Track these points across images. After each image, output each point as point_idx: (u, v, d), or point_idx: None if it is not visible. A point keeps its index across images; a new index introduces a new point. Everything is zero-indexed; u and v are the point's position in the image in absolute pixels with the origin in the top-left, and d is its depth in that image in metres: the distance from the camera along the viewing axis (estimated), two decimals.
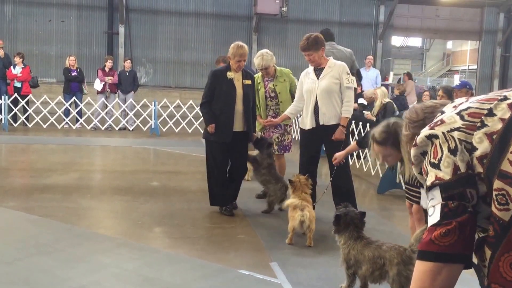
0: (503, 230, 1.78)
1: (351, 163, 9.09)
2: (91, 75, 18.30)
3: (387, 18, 23.26)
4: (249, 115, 6.38)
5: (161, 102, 15.06)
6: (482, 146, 1.83)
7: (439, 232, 1.82)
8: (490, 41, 25.02)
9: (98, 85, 14.84)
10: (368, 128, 9.89)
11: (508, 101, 1.88)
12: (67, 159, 10.00)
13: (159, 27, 22.31)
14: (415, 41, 46.44)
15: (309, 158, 6.23)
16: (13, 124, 14.32)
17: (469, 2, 23.54)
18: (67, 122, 14.70)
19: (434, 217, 1.87)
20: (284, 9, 21.14)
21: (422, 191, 3.43)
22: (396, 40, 40.88)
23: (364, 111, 10.84)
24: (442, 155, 1.87)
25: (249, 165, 6.93)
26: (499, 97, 1.91)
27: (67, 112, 14.78)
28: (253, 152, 6.97)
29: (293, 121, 10.38)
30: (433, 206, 1.88)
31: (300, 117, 6.47)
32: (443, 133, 1.90)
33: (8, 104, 13.94)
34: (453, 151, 1.86)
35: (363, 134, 9.93)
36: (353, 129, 10.10)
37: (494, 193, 1.78)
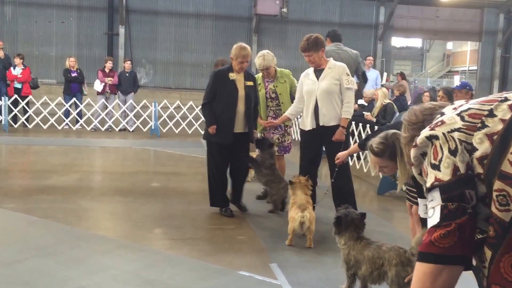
0: (503, 231, 1.78)
1: (351, 164, 9.08)
2: (91, 76, 18.29)
3: (387, 19, 23.27)
4: (251, 117, 6.35)
5: (161, 103, 15.06)
6: (483, 146, 1.83)
7: (439, 234, 1.82)
8: (490, 42, 25.03)
9: (98, 86, 14.84)
10: (368, 129, 9.90)
11: (509, 102, 1.88)
12: (67, 160, 10.00)
13: (159, 28, 22.33)
14: (415, 42, 46.44)
15: (309, 159, 6.23)
16: (13, 125, 14.31)
17: (469, 3, 23.54)
18: (67, 123, 14.70)
19: (434, 218, 1.87)
20: (284, 10, 21.15)
21: (420, 201, 3.43)
22: (396, 41, 40.86)
23: (364, 112, 10.83)
24: (442, 156, 1.87)
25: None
26: (500, 98, 1.92)
27: (67, 113, 14.78)
28: (254, 154, 6.97)
29: (293, 122, 10.39)
30: (433, 207, 1.88)
31: (300, 118, 6.47)
32: (444, 133, 1.90)
33: (8, 105, 13.93)
34: (453, 152, 1.86)
35: (363, 135, 9.94)
36: (353, 130, 10.09)
37: (495, 194, 1.79)
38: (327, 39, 7.66)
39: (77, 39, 21.84)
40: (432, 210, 1.88)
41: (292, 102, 6.78)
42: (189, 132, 14.82)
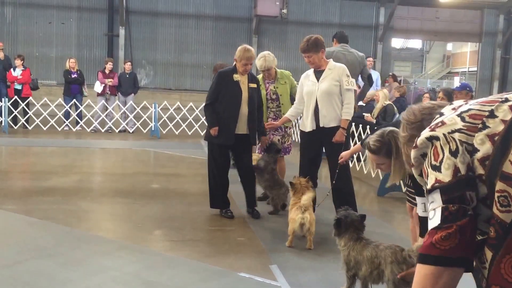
0: (504, 232, 1.78)
1: (351, 165, 9.07)
2: (91, 77, 18.32)
3: (387, 20, 23.28)
4: (253, 118, 6.34)
5: (161, 104, 15.06)
6: (484, 147, 1.83)
7: (439, 236, 1.82)
8: (490, 43, 25.04)
9: (98, 87, 14.84)
10: (368, 130, 9.90)
11: (510, 103, 1.88)
12: (67, 162, 10.00)
13: (159, 29, 22.34)
14: (415, 43, 46.43)
15: (309, 160, 6.22)
16: (13, 126, 14.31)
17: (469, 4, 23.55)
18: (67, 125, 14.70)
19: (434, 220, 1.86)
20: (284, 11, 21.17)
21: (418, 199, 3.44)
22: (396, 42, 40.87)
23: (364, 114, 10.83)
24: (443, 157, 1.87)
25: None
26: (500, 99, 1.91)
27: (67, 115, 14.78)
28: (254, 155, 6.97)
29: (293, 123, 10.39)
30: (434, 209, 1.88)
31: (300, 119, 6.47)
32: (444, 134, 1.90)
33: (8, 106, 13.94)
34: (454, 153, 1.85)
35: (363, 137, 9.93)
36: (353, 132, 10.09)
37: (496, 194, 1.78)
38: (334, 40, 7.68)
39: (77, 40, 21.85)
40: (432, 211, 1.88)
41: (292, 103, 6.78)
42: (189, 133, 14.82)
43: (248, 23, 22.71)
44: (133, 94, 15.17)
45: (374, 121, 10.42)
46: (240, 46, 6.30)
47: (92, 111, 14.94)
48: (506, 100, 1.90)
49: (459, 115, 1.93)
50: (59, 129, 14.38)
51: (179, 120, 15.08)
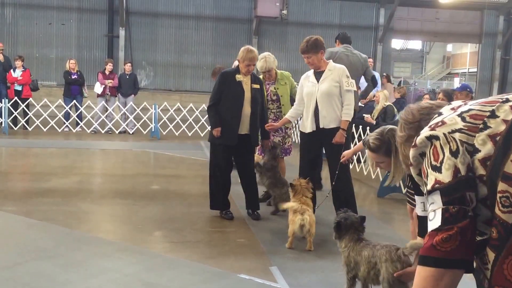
0: (507, 233, 1.78)
1: (351, 167, 9.07)
2: (91, 78, 18.34)
3: (387, 21, 23.30)
4: (256, 119, 6.33)
5: (161, 105, 15.06)
6: (485, 148, 1.82)
7: (440, 238, 1.81)
8: (490, 43, 25.06)
9: (98, 88, 14.83)
10: (368, 131, 9.89)
11: (511, 103, 1.87)
12: (67, 163, 10.00)
13: (159, 30, 22.35)
14: (415, 44, 46.46)
15: (309, 162, 6.22)
16: (13, 127, 14.31)
17: (469, 5, 23.57)
18: (67, 126, 14.70)
19: (435, 222, 1.86)
20: (284, 12, 21.19)
21: (417, 198, 3.43)
22: (396, 43, 40.88)
23: (364, 115, 10.84)
24: (443, 157, 1.86)
25: None
26: (501, 99, 1.91)
27: (67, 116, 14.78)
28: (258, 157, 6.98)
29: (293, 124, 10.39)
30: (434, 210, 1.87)
31: (300, 120, 6.47)
32: (444, 134, 1.89)
33: (8, 107, 13.94)
34: (454, 153, 1.85)
35: (363, 138, 9.93)
36: (353, 133, 10.09)
37: (498, 195, 1.78)
38: (337, 41, 7.68)
39: (77, 41, 21.87)
40: (433, 213, 1.87)
41: (292, 104, 6.78)
42: (189, 134, 14.81)
43: (248, 24, 22.72)
44: (133, 95, 15.17)
45: (374, 122, 10.42)
46: (243, 47, 6.30)
47: (92, 112, 14.93)
48: (507, 100, 1.89)
49: (459, 115, 1.93)
50: (59, 130, 14.38)
51: (179, 121, 15.08)
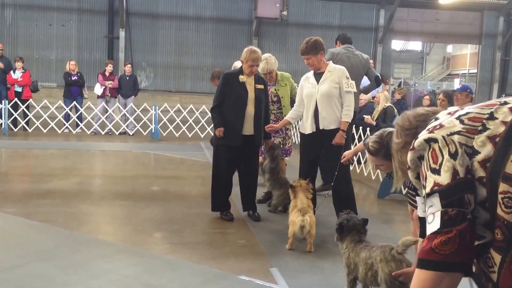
0: (511, 233, 1.77)
1: (351, 168, 9.07)
2: (91, 79, 18.33)
3: (387, 22, 23.30)
4: (260, 120, 6.31)
5: (161, 107, 15.06)
6: (485, 149, 1.82)
7: (439, 241, 1.81)
8: (490, 44, 25.06)
9: (98, 89, 14.84)
10: (368, 132, 9.89)
11: (509, 105, 1.88)
12: (67, 164, 9.99)
13: (159, 31, 22.35)
14: (415, 45, 46.47)
15: (309, 163, 6.22)
16: (13, 128, 14.31)
17: (469, 6, 23.57)
18: (67, 127, 14.70)
19: (433, 224, 1.85)
20: (285, 13, 21.18)
21: (418, 199, 3.42)
22: (396, 44, 40.88)
23: (364, 116, 10.84)
24: (442, 160, 1.86)
25: None
26: (499, 102, 1.91)
27: (67, 117, 14.78)
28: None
29: (293, 125, 10.38)
30: (433, 213, 1.86)
31: (300, 121, 6.47)
32: (443, 136, 1.89)
33: (8, 108, 13.93)
34: (453, 155, 1.84)
35: (363, 139, 9.93)
36: (353, 133, 10.08)
37: (500, 196, 1.77)
38: (337, 42, 7.67)
39: (78, 42, 21.87)
40: (431, 216, 1.87)
41: (292, 106, 6.78)
42: (190, 135, 14.82)
43: (248, 25, 22.72)
44: (133, 96, 15.17)
45: (374, 123, 10.42)
46: (246, 48, 6.29)
47: (92, 113, 14.93)
48: (505, 103, 1.90)
49: (457, 118, 1.93)
50: (59, 131, 14.37)
51: (179, 122, 15.07)
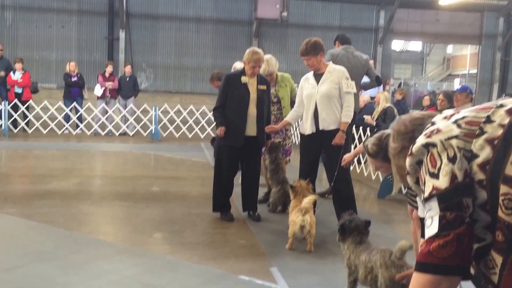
0: None
1: (351, 168, 9.07)
2: (91, 80, 18.32)
3: (387, 22, 23.30)
4: (263, 120, 6.31)
5: (161, 107, 15.07)
6: (484, 152, 1.82)
7: (437, 244, 1.81)
8: (490, 45, 25.06)
9: (98, 90, 14.85)
10: (368, 132, 9.90)
11: (506, 108, 1.88)
12: (67, 165, 9.99)
13: (159, 32, 22.35)
14: (415, 46, 46.49)
15: (309, 163, 6.22)
16: (13, 130, 14.31)
17: (469, 7, 23.57)
18: (67, 128, 14.69)
19: (432, 228, 1.85)
20: (285, 14, 21.17)
21: (419, 199, 3.43)
22: (396, 45, 40.90)
23: (364, 116, 10.84)
24: (441, 164, 1.86)
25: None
26: (495, 105, 1.91)
27: (67, 118, 14.78)
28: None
29: (293, 126, 10.38)
30: (431, 217, 1.86)
31: (300, 122, 6.47)
32: (441, 141, 1.88)
33: (8, 110, 13.93)
34: (452, 159, 1.84)
35: (363, 139, 9.93)
36: (353, 134, 10.09)
37: (501, 198, 1.77)
38: (336, 42, 7.66)
39: (78, 43, 21.87)
40: (430, 219, 1.87)
41: (292, 107, 6.78)
42: (190, 136, 14.82)
43: (249, 26, 22.73)
44: (133, 97, 15.18)
45: (374, 123, 10.42)
46: (249, 49, 6.30)
47: (92, 114, 14.94)
48: (501, 105, 1.90)
49: (454, 122, 1.92)
50: (59, 132, 14.38)
51: (180, 123, 15.08)
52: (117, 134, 14.79)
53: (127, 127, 15.00)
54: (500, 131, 1.82)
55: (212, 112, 6.62)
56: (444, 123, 1.95)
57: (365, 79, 7.84)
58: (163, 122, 14.93)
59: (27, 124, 14.58)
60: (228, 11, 22.56)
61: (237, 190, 6.65)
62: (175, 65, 22.58)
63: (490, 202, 1.81)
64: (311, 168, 6.24)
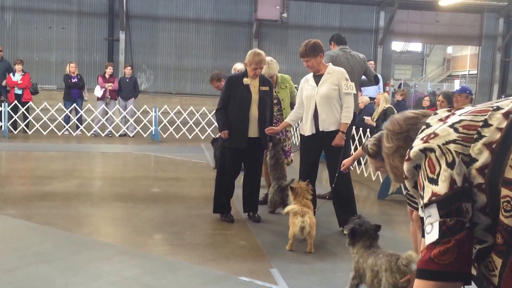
0: (511, 237, 1.77)
1: (352, 169, 9.07)
2: (91, 81, 18.32)
3: (387, 23, 23.31)
4: (265, 121, 6.31)
5: (161, 108, 15.07)
6: (483, 156, 1.81)
7: (438, 251, 1.81)
8: (490, 46, 25.06)
9: (98, 91, 14.85)
10: (368, 133, 9.90)
11: (502, 111, 1.87)
12: (67, 166, 10.00)
13: (159, 33, 22.35)
14: (415, 46, 46.50)
15: (309, 164, 6.22)
16: (13, 131, 14.31)
17: (469, 8, 23.58)
18: (67, 129, 14.69)
19: (432, 235, 1.84)
20: (285, 15, 21.16)
21: (419, 200, 3.43)
22: (396, 46, 40.91)
23: (364, 117, 10.84)
24: (440, 169, 1.85)
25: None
26: (492, 108, 1.90)
27: (67, 119, 14.77)
28: None
29: (293, 127, 10.38)
30: (431, 223, 1.86)
31: (300, 123, 6.47)
32: (439, 146, 1.87)
33: (8, 111, 13.93)
34: (450, 165, 1.83)
35: (363, 140, 9.93)
36: (353, 135, 10.09)
37: (501, 200, 1.77)
38: (332, 43, 7.65)
39: (78, 44, 21.87)
40: (430, 226, 1.86)
41: (292, 108, 6.79)
42: (190, 137, 14.82)
43: (249, 27, 22.73)
44: (133, 98, 15.17)
45: (374, 124, 10.42)
46: (250, 51, 6.31)
47: (92, 116, 14.94)
48: (498, 108, 1.88)
49: (451, 126, 1.91)
50: (59, 134, 14.37)
51: (180, 124, 15.08)
52: (117, 135, 14.79)
53: (127, 128, 15.00)
54: (498, 135, 1.82)
55: (214, 114, 6.62)
56: (441, 127, 1.93)
57: (362, 77, 7.83)
58: (163, 123, 14.93)
59: (27, 125, 14.58)
60: (228, 12, 22.57)
61: (237, 191, 6.65)
62: (175, 66, 22.58)
63: (490, 205, 1.81)
64: (311, 169, 6.24)
